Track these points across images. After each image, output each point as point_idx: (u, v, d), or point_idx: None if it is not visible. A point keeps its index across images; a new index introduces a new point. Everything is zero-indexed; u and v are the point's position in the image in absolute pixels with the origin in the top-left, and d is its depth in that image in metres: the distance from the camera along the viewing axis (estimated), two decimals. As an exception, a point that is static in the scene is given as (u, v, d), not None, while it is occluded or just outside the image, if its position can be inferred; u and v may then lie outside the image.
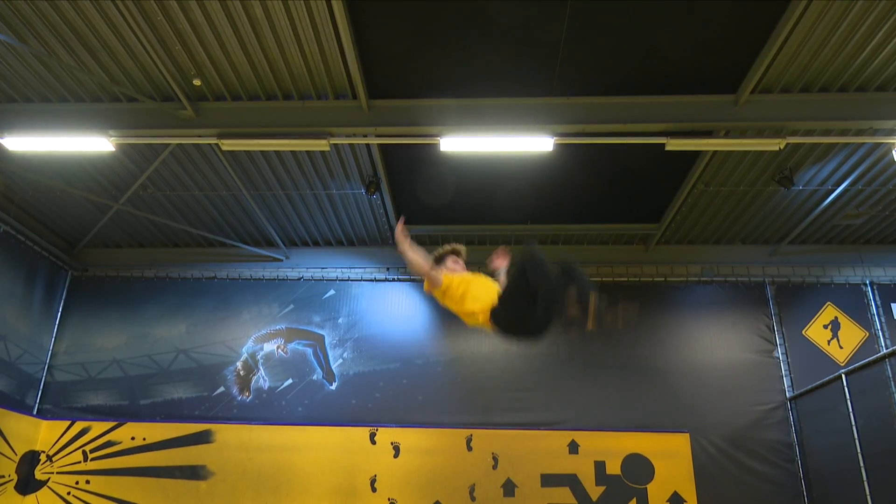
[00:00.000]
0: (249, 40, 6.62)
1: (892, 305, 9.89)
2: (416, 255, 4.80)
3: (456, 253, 5.31)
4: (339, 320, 10.29)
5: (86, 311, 10.50)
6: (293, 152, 8.29)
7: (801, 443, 9.19)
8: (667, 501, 8.99)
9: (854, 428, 7.76)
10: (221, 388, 9.96)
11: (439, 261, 5.25)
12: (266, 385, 9.96)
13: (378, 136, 7.54)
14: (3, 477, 9.03)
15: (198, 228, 10.14)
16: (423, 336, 10.13)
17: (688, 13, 6.25)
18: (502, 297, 4.65)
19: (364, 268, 10.60)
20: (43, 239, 9.94)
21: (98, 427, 9.68)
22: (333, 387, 9.90)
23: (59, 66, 7.06)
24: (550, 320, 4.37)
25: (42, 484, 9.45)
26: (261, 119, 7.47)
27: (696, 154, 8.13)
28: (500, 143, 7.21)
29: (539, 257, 4.28)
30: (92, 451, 9.59)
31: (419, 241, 10.38)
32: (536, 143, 7.18)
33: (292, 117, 7.44)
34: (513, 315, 4.54)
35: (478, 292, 4.81)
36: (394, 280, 10.51)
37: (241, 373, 10.06)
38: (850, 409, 7.87)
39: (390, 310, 10.33)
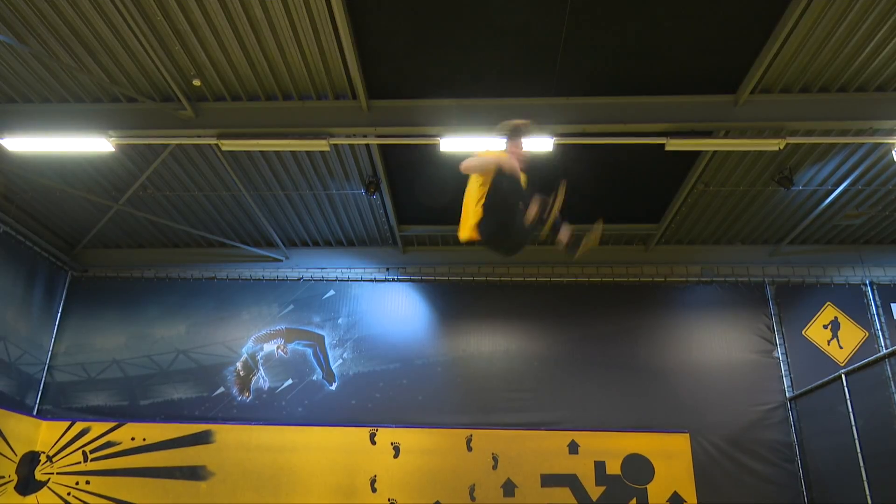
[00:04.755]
0: (249, 41, 6.62)
1: (892, 305, 9.89)
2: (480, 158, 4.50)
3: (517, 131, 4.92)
4: (339, 320, 10.29)
5: (86, 311, 10.50)
6: (293, 152, 8.28)
7: (801, 443, 9.19)
8: (667, 501, 8.99)
9: (854, 428, 7.76)
10: (221, 389, 9.96)
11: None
12: (266, 385, 9.96)
13: (378, 136, 7.54)
14: (4, 477, 9.03)
15: (197, 229, 10.14)
16: (423, 336, 10.13)
17: (688, 13, 6.25)
18: (487, 208, 4.51)
19: (364, 268, 10.60)
20: (43, 239, 9.94)
21: (98, 427, 9.68)
22: (333, 387, 9.90)
23: (58, 66, 7.06)
24: (528, 230, 4.40)
25: (42, 484, 9.45)
26: (260, 119, 7.47)
27: (695, 154, 8.13)
28: (501, 143, 7.19)
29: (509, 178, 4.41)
30: (92, 451, 9.59)
31: (419, 241, 10.47)
32: (536, 144, 7.17)
33: (292, 117, 7.44)
34: (497, 225, 4.49)
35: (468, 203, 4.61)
36: (394, 280, 10.51)
37: (241, 373, 10.06)
38: (850, 410, 7.87)
39: (390, 310, 10.33)
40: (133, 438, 9.61)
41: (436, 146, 7.30)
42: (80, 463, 9.55)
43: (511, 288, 10.38)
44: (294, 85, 7.25)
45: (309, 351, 10.13)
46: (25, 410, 9.61)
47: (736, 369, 9.71)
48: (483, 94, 7.23)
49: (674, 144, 7.20)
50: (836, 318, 9.89)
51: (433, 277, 10.48)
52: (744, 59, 6.71)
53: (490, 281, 10.42)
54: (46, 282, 10.12)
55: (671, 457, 9.21)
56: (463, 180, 8.76)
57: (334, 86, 7.25)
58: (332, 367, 10.01)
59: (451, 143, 7.20)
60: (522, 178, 4.72)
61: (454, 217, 9.68)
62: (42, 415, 9.83)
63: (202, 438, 9.57)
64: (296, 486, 9.25)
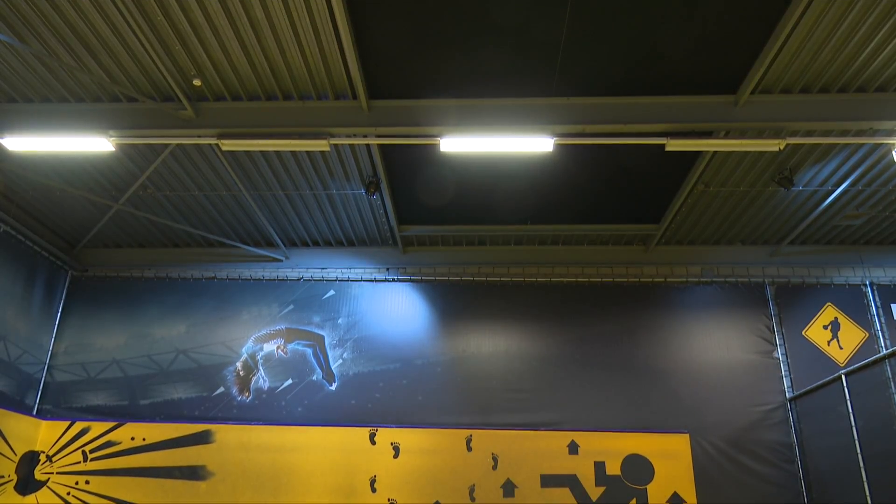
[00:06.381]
0: (249, 40, 6.62)
1: (892, 306, 9.89)
2: None
3: None
4: (339, 320, 10.29)
5: (86, 311, 10.51)
6: (293, 152, 8.29)
7: (801, 443, 9.19)
8: (667, 502, 8.99)
9: (854, 428, 7.76)
10: (221, 389, 9.96)
11: None
12: (266, 385, 9.96)
13: (378, 136, 7.53)
14: (3, 477, 9.02)
15: (198, 228, 10.14)
16: (422, 336, 10.13)
17: (688, 14, 6.25)
18: None
19: (364, 268, 10.60)
20: (43, 239, 9.94)
21: (98, 427, 9.68)
22: (333, 387, 9.90)
23: (59, 66, 7.06)
24: None
25: (42, 484, 9.45)
26: (261, 119, 7.47)
27: (696, 154, 8.14)
28: (501, 143, 7.21)
29: None
30: (92, 451, 9.59)
31: (419, 241, 10.47)
32: (536, 144, 7.17)
33: (292, 117, 7.44)
34: None
35: None
36: (394, 280, 10.52)
37: (241, 373, 10.06)
38: (850, 410, 7.87)
39: (390, 310, 10.33)
40: (133, 438, 9.61)
41: (436, 146, 7.30)
42: (79, 463, 9.55)
43: (511, 288, 10.38)
44: (294, 85, 7.25)
45: (309, 351, 10.13)
46: (25, 410, 9.61)
47: (736, 370, 9.72)
48: (483, 94, 7.23)
49: (674, 145, 7.19)
50: (836, 318, 9.89)
51: (433, 277, 10.48)
52: (744, 59, 6.71)
53: (490, 281, 10.42)
54: (46, 281, 10.12)
55: (671, 457, 9.21)
56: (463, 181, 8.80)
57: (335, 86, 7.25)
58: (332, 367, 10.01)
59: (451, 143, 7.19)
60: None
61: (454, 217, 9.81)
62: (42, 414, 9.83)
63: (202, 438, 9.57)
64: (295, 486, 9.25)
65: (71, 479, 9.48)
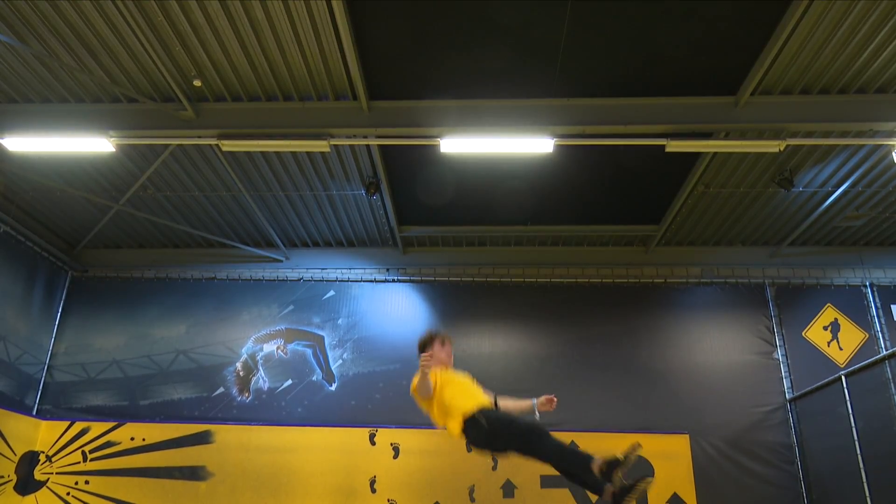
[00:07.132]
0: (250, 41, 6.62)
1: (892, 307, 9.88)
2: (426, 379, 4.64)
3: (442, 340, 5.09)
4: (339, 321, 10.29)
5: (86, 311, 10.50)
6: (293, 153, 8.29)
7: (801, 444, 9.19)
8: (666, 502, 8.99)
9: (854, 429, 7.76)
10: (221, 389, 9.96)
11: (424, 347, 5.00)
12: (266, 386, 9.96)
13: (378, 136, 7.54)
14: (3, 477, 9.02)
15: (198, 229, 10.14)
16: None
17: (688, 14, 6.25)
18: (477, 429, 4.58)
19: (364, 268, 10.59)
20: (43, 239, 9.94)
21: (97, 427, 9.67)
22: (333, 387, 9.90)
23: (59, 66, 7.06)
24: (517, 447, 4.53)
25: (41, 484, 9.45)
26: (261, 120, 7.47)
27: (696, 155, 8.13)
28: (500, 144, 7.21)
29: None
30: (91, 451, 9.59)
31: (419, 241, 10.47)
32: (536, 145, 7.17)
33: (292, 118, 7.44)
34: (483, 442, 4.68)
35: (463, 398, 4.73)
36: (394, 281, 10.51)
37: (241, 373, 10.06)
38: (850, 411, 7.86)
39: (390, 310, 10.32)
40: (133, 438, 9.60)
41: (436, 147, 7.30)
42: (79, 463, 9.54)
43: (511, 288, 10.38)
44: (295, 85, 7.25)
45: (309, 351, 10.13)
46: (25, 410, 9.60)
47: (736, 371, 9.71)
48: (483, 94, 7.23)
49: (674, 146, 7.19)
50: (836, 319, 9.88)
51: (433, 278, 10.47)
52: (744, 60, 6.70)
53: (490, 281, 10.41)
54: (46, 282, 10.12)
55: (671, 458, 9.20)
56: (464, 181, 8.80)
57: (335, 86, 7.25)
58: (332, 368, 10.01)
59: (451, 144, 7.20)
60: (440, 376, 4.80)
61: (454, 217, 9.82)
62: (42, 415, 9.83)
63: (202, 438, 9.57)
64: (295, 486, 9.25)
65: (71, 480, 9.48)
